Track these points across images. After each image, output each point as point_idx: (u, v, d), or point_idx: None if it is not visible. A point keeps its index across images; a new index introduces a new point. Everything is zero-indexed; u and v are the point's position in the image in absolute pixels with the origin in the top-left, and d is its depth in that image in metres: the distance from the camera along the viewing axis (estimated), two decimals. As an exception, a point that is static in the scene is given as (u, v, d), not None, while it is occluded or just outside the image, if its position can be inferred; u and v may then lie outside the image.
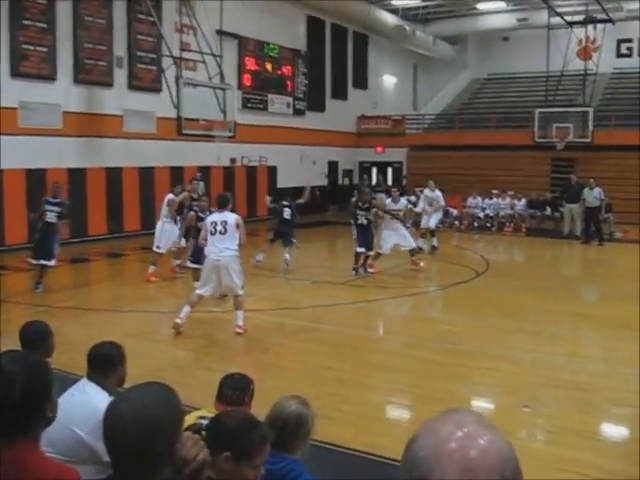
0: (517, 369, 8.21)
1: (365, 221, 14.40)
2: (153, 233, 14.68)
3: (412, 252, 14.93)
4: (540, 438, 6.44)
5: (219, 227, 9.42)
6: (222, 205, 9.69)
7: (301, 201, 16.01)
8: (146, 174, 20.78)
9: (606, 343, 9.84)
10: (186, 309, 9.63)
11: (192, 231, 12.24)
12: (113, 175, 19.84)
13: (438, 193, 18.12)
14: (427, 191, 18.25)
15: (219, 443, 2.41)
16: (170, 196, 14.58)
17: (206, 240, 9.58)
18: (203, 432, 2.48)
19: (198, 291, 9.73)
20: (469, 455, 1.07)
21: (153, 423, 1.79)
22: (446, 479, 1.05)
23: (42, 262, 12.19)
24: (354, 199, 15.21)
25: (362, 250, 14.31)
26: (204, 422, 2.89)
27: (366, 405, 6.99)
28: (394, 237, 14.73)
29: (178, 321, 9.52)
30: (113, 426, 1.81)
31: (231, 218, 9.50)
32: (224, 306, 11.18)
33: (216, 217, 9.61)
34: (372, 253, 14.59)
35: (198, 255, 11.16)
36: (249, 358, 9.18)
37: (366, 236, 14.40)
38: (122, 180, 20.16)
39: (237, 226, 9.43)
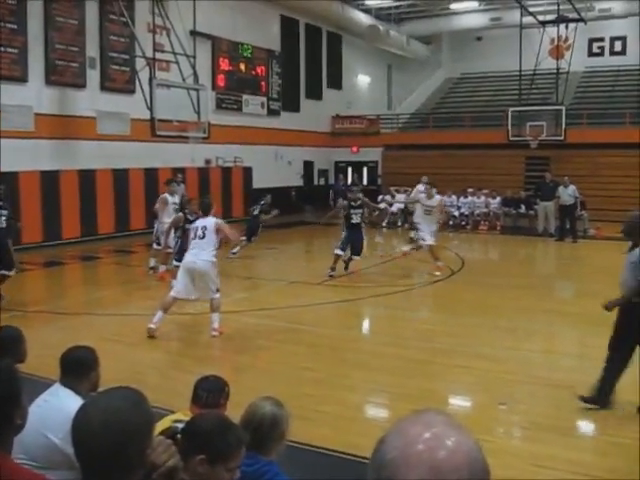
0: (493, 366, 8.25)
1: (359, 220, 14.47)
2: (127, 235, 14.59)
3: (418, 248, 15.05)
4: (516, 435, 6.48)
5: (199, 232, 9.60)
6: (205, 212, 9.91)
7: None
8: (120, 176, 20.63)
9: (580, 339, 9.94)
10: (159, 314, 9.57)
11: (178, 231, 12.21)
12: (87, 177, 19.66)
13: (419, 187, 18.59)
14: (420, 186, 18.64)
15: (193, 446, 2.39)
16: (163, 196, 14.44)
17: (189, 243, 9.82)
18: (178, 436, 2.46)
19: (172, 293, 9.72)
20: (437, 456, 1.07)
21: (123, 428, 1.76)
22: None
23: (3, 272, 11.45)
24: (344, 201, 15.18)
25: (341, 253, 14.29)
26: (179, 425, 2.86)
27: (344, 405, 6.98)
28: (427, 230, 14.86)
29: (152, 326, 9.47)
30: (82, 431, 1.78)
31: (210, 223, 9.62)
32: (200, 308, 11.13)
33: (199, 222, 9.79)
34: (358, 258, 14.46)
35: (182, 255, 11.07)
36: (226, 360, 9.14)
37: (356, 239, 14.38)
38: (96, 182, 19.99)
39: (217, 231, 9.56)
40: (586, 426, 6.71)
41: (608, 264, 16.62)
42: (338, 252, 14.27)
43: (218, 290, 9.72)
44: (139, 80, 18.56)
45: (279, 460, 3.49)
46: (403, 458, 1.07)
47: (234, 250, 15.71)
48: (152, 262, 14.41)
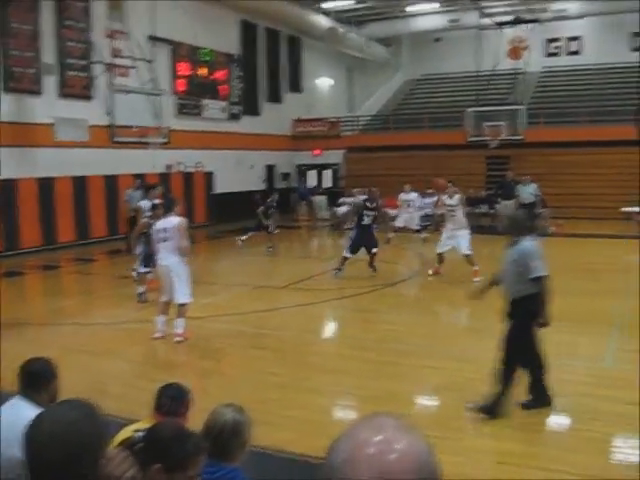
0: (460, 366, 8.30)
1: (370, 222, 14.44)
2: (88, 243, 14.39)
3: (467, 258, 14.25)
4: (484, 433, 6.52)
5: (161, 234, 9.51)
6: (168, 208, 9.81)
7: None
8: (79, 183, 20.38)
9: (544, 336, 10.01)
10: (161, 319, 9.65)
11: (143, 237, 12.05)
12: (45, 185, 19.37)
13: (413, 194, 20.05)
14: (403, 194, 19.79)
15: (152, 455, 2.36)
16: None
17: (155, 246, 9.75)
18: (138, 445, 2.43)
19: (161, 299, 9.79)
20: (385, 459, 1.08)
21: (75, 440, 1.73)
22: None
23: None
24: (359, 199, 15.17)
25: (350, 256, 14.33)
26: (139, 435, 2.82)
27: (309, 409, 6.96)
28: (452, 241, 14.30)
29: (158, 335, 9.58)
30: (34, 443, 1.75)
31: (171, 223, 9.47)
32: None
33: (161, 224, 9.63)
34: (376, 250, 14.46)
35: (148, 260, 11.23)
36: (191, 366, 9.08)
37: (368, 238, 14.38)
38: (55, 190, 19.70)
39: (178, 230, 9.40)
40: (553, 422, 6.77)
41: (569, 261, 16.91)
42: (347, 255, 14.32)
43: (190, 295, 9.74)
44: (97, 86, 18.41)
45: (243, 466, 3.47)
46: (353, 462, 1.08)
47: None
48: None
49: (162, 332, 9.63)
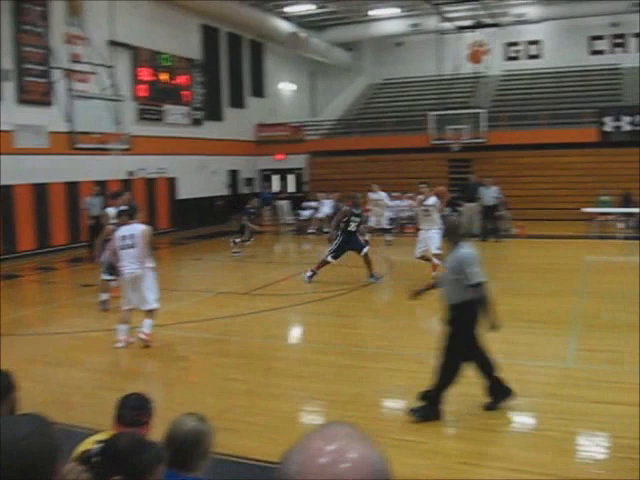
0: (422, 368, 8.28)
1: (355, 228, 14.51)
2: (49, 251, 14.18)
3: (435, 256, 14.34)
4: (446, 434, 6.55)
5: (127, 241, 9.44)
6: (130, 216, 9.73)
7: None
8: (40, 191, 20.09)
9: (505, 337, 10.08)
10: (123, 327, 9.54)
11: (108, 244, 11.87)
12: (4, 193, 19.03)
13: (382, 194, 20.30)
14: (371, 194, 19.91)
15: (110, 467, 2.32)
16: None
17: (116, 254, 9.60)
18: (95, 458, 2.38)
19: (123, 307, 9.71)
20: (337, 469, 1.07)
21: (27, 455, 1.69)
22: None
23: None
24: (346, 207, 15.15)
25: (333, 262, 14.34)
26: (98, 447, 2.77)
27: (274, 415, 6.92)
28: (424, 242, 14.58)
29: (119, 345, 9.45)
30: None
31: (138, 230, 9.48)
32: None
33: (124, 231, 9.54)
34: (366, 250, 14.53)
35: (112, 268, 11.02)
36: (153, 375, 8.98)
37: (354, 241, 14.46)
38: (14, 198, 19.39)
39: (144, 238, 9.45)
40: (516, 423, 6.82)
41: (531, 262, 17.10)
42: (330, 260, 14.36)
43: (157, 300, 9.72)
44: (57, 92, 18.17)
45: (208, 474, 3.43)
46: (304, 472, 1.08)
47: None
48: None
49: (124, 341, 9.51)
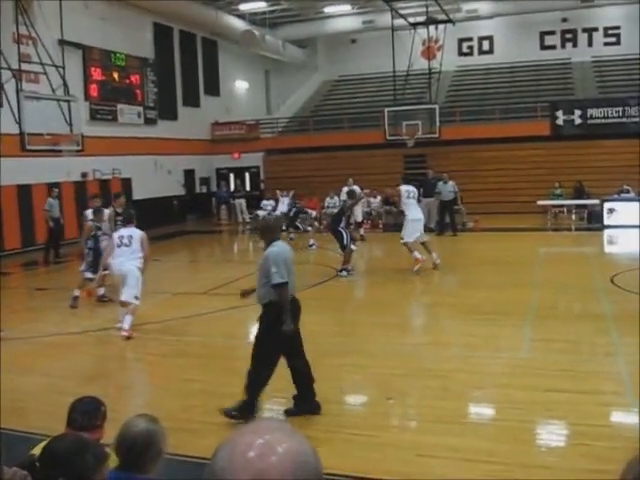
0: (380, 362, 8.37)
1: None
2: (1, 256, 13.94)
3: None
4: (403, 427, 6.60)
5: (125, 240, 10.37)
6: (128, 221, 10.77)
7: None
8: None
9: (464, 329, 10.21)
10: (128, 318, 10.06)
11: (90, 241, 12.68)
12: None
13: (355, 188, 20.17)
14: (345, 188, 19.75)
15: (52, 470, 2.28)
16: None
17: (111, 251, 10.57)
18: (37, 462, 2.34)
19: (120, 298, 10.45)
20: (262, 464, 1.08)
21: None
22: None
23: None
24: (347, 202, 15.90)
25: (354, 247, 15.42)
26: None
27: (232, 414, 6.88)
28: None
29: (125, 334, 9.91)
30: None
31: (136, 234, 10.47)
32: (82, 326, 10.83)
33: (123, 232, 10.57)
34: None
35: (96, 267, 12.17)
36: (110, 378, 8.86)
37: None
38: (-36, 202, 18.98)
39: (141, 241, 10.40)
40: (469, 412, 6.90)
41: (487, 255, 17.30)
42: (355, 247, 15.49)
43: (137, 297, 10.26)
44: (5, 93, 17.84)
45: (164, 475, 3.40)
46: (230, 467, 1.09)
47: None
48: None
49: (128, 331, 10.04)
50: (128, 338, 9.86)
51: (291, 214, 21.35)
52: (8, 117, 17.53)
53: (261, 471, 1.06)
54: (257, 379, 6.54)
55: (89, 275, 12.52)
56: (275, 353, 6.56)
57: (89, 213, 13.53)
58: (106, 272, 11.91)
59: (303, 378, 6.72)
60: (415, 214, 15.22)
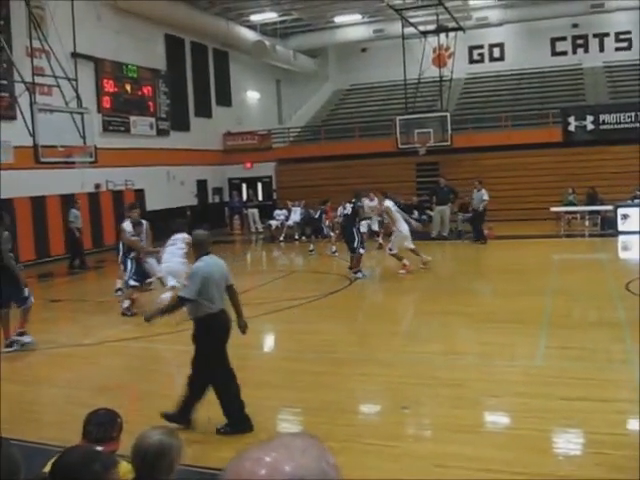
0: (394, 372, 8.34)
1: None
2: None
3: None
4: (419, 437, 6.56)
5: (171, 241, 12.38)
6: (177, 230, 12.75)
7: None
8: (4, 206, 19.71)
9: (477, 338, 10.18)
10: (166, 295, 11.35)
11: (133, 252, 13.01)
12: (-31, 210, 18.74)
13: (376, 201, 19.97)
14: (367, 201, 19.94)
15: None
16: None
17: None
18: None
19: (169, 284, 11.94)
20: (253, 478, 1.10)
21: None
22: None
23: None
24: (358, 203, 16.32)
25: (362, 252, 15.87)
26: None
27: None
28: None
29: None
30: None
31: (182, 236, 12.29)
32: (98, 337, 10.87)
33: (177, 236, 12.48)
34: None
35: (140, 275, 12.86)
36: (126, 389, 8.88)
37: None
38: (-21, 214, 19.06)
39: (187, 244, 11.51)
40: (485, 421, 6.86)
41: (501, 262, 17.25)
42: (362, 252, 15.78)
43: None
44: (19, 106, 17.98)
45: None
46: (229, 478, 1.12)
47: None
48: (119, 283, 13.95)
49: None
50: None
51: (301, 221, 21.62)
52: (22, 129, 17.65)
53: None
54: (223, 392, 6.67)
55: (133, 283, 12.73)
56: (219, 364, 6.68)
57: (128, 225, 13.28)
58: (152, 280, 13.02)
59: (227, 395, 6.74)
60: (405, 227, 16.00)
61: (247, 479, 1.09)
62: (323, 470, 1.13)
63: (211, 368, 6.68)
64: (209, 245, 6.94)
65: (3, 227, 10.55)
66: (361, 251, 15.66)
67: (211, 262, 6.73)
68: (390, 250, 15.74)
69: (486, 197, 21.05)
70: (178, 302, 6.70)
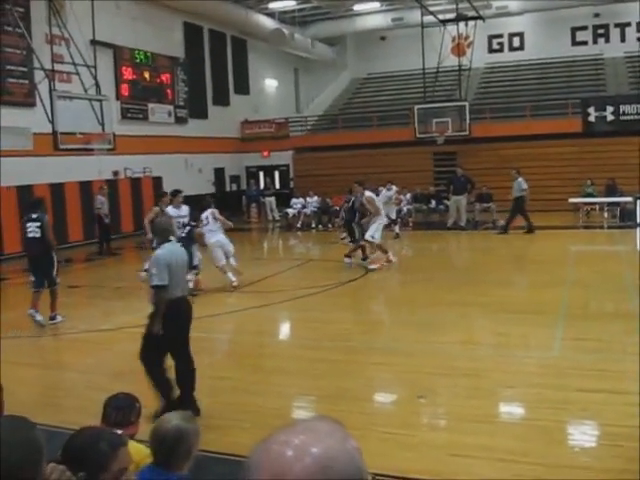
0: (410, 361, 8.36)
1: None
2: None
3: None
4: (435, 426, 6.58)
5: (205, 221, 13.35)
6: (205, 208, 13.68)
7: None
8: (24, 193, 19.92)
9: (494, 328, 10.17)
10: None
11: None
12: (-11, 196, 18.92)
13: (394, 190, 20.49)
14: (385, 190, 20.01)
15: (74, 465, 2.31)
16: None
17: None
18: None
19: (220, 264, 13.43)
20: (285, 461, 1.10)
21: (9, 458, 1.69)
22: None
23: None
24: (359, 196, 15.91)
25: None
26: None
27: (262, 412, 6.90)
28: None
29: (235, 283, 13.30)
30: None
31: (210, 212, 13.46)
32: (112, 324, 10.94)
33: (205, 214, 13.49)
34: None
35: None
36: (141, 375, 8.94)
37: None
38: (-1, 200, 19.25)
39: (217, 218, 13.39)
40: (501, 412, 6.87)
41: (518, 253, 17.18)
42: (363, 243, 15.73)
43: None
44: (39, 93, 18.08)
45: (194, 472, 3.44)
46: (258, 461, 1.12)
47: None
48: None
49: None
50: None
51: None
52: (41, 116, 17.77)
53: (283, 470, 1.09)
54: (155, 381, 6.67)
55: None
56: (155, 352, 6.65)
57: (171, 210, 13.05)
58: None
59: (185, 382, 6.72)
60: (384, 219, 15.99)
61: (275, 462, 1.10)
62: (349, 452, 1.14)
63: (162, 351, 6.66)
64: (170, 233, 7.01)
65: (44, 212, 11.13)
66: (361, 242, 15.66)
67: (172, 249, 6.79)
68: (373, 238, 15.25)
69: (524, 186, 20.65)
70: (156, 295, 6.59)
